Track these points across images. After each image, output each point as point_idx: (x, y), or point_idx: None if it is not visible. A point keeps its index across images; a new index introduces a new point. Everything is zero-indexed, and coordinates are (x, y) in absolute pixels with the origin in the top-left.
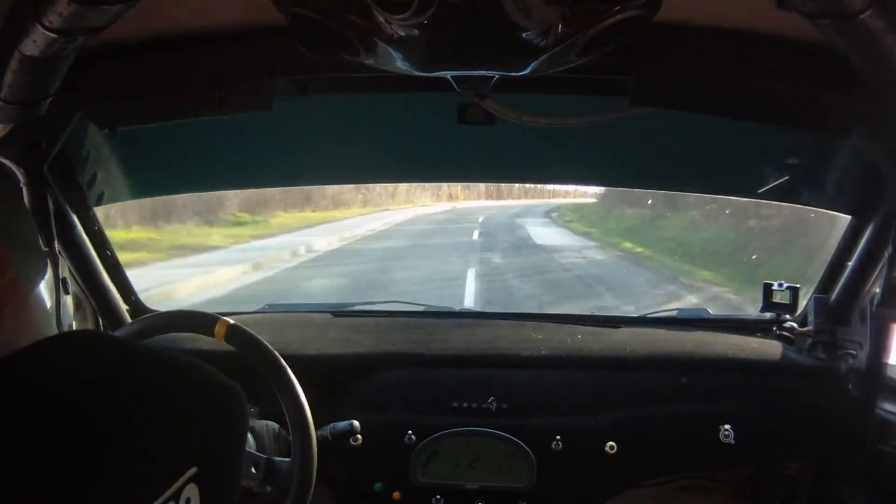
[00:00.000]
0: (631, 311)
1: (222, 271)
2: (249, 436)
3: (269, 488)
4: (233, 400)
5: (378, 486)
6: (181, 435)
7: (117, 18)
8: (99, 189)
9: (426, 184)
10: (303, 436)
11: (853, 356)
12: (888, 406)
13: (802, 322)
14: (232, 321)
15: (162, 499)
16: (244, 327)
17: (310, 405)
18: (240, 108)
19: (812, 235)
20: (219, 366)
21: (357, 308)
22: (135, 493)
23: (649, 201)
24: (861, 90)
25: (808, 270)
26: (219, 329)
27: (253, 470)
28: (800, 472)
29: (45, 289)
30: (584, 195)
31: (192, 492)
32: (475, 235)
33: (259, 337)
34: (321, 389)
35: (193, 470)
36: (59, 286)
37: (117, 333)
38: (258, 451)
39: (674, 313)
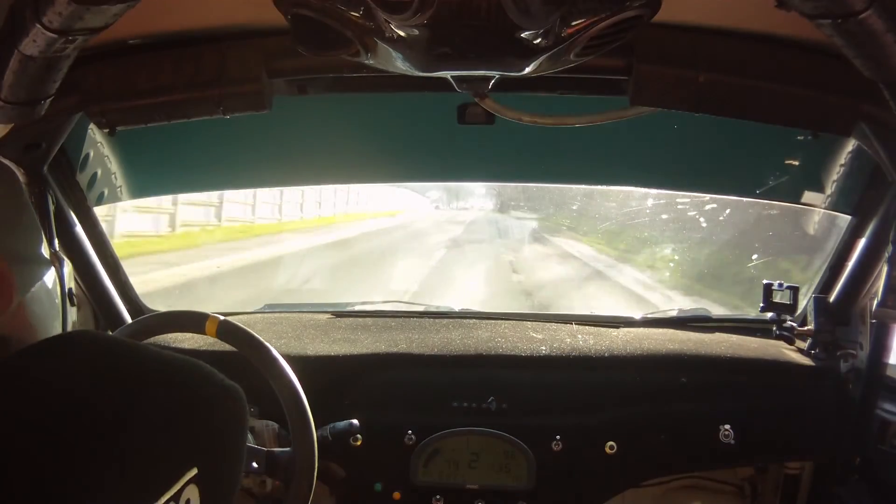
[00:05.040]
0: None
1: None
2: (249, 435)
3: (269, 485)
4: (233, 400)
5: (378, 486)
6: (181, 436)
7: (117, 18)
8: (99, 189)
9: None
10: (300, 422)
11: (853, 356)
12: (888, 406)
13: (802, 322)
14: (221, 317)
15: (163, 500)
16: (234, 322)
17: (310, 405)
18: (240, 108)
19: None
20: (219, 366)
21: (357, 308)
22: (135, 494)
23: None
24: (861, 90)
25: None
26: (209, 326)
27: (254, 465)
28: (800, 472)
29: (49, 290)
30: None
31: (192, 492)
32: None
33: (249, 329)
34: (321, 389)
35: (194, 471)
36: (64, 287)
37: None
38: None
39: (674, 313)
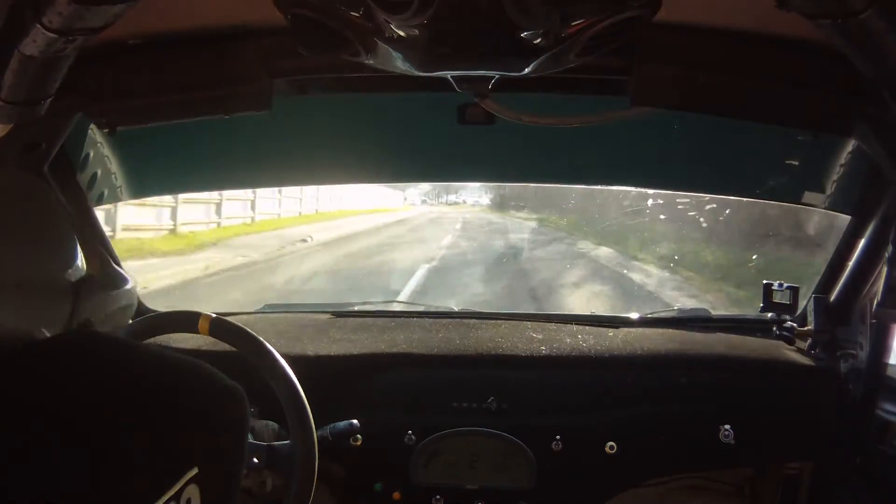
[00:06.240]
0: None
1: None
2: (249, 435)
3: (269, 485)
4: (234, 400)
5: (378, 486)
6: (182, 435)
7: (117, 18)
8: (99, 189)
9: None
10: (298, 412)
11: (853, 356)
12: (888, 406)
13: (802, 322)
14: (213, 315)
15: (163, 499)
16: (227, 319)
17: (310, 405)
18: (240, 108)
19: None
20: (219, 366)
21: (357, 308)
22: (136, 494)
23: None
24: (861, 90)
25: None
26: (202, 324)
27: (255, 460)
28: (800, 473)
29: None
30: None
31: (192, 492)
32: None
33: (242, 326)
34: (321, 389)
35: (194, 470)
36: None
37: None
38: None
39: (674, 313)
